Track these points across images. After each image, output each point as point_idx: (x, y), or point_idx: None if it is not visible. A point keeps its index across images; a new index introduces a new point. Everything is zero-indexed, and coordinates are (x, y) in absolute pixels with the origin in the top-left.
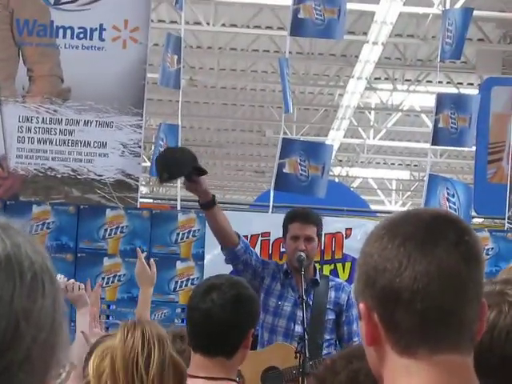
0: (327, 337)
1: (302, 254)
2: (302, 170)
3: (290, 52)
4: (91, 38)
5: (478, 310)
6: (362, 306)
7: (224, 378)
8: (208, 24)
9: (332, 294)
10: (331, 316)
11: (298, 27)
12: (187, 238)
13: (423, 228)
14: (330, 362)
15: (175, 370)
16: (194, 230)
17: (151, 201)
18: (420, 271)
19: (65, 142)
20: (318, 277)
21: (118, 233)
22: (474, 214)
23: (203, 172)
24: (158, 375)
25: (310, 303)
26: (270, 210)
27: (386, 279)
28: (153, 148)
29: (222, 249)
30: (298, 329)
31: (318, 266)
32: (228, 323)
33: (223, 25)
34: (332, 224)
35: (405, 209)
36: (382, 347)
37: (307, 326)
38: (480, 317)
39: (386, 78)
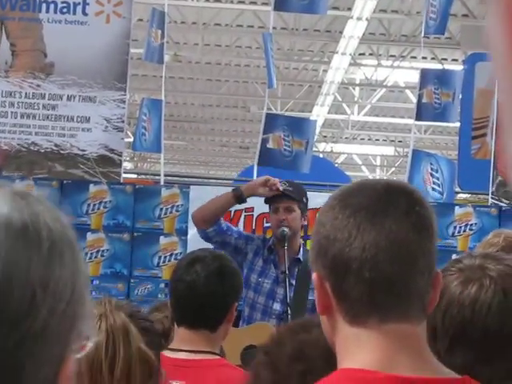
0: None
1: (286, 229)
2: (285, 145)
3: (274, 27)
4: (74, 13)
5: (431, 280)
6: (314, 275)
7: (207, 351)
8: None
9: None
10: (312, 296)
11: (282, 2)
12: (170, 213)
13: (374, 198)
14: (276, 334)
15: (143, 366)
16: (178, 205)
17: (135, 176)
18: (369, 241)
19: (48, 117)
20: (301, 255)
21: (102, 208)
22: (457, 189)
23: None
24: (125, 375)
25: (293, 282)
26: None
27: (337, 249)
28: (136, 123)
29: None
30: (277, 307)
31: (301, 242)
32: (212, 295)
33: (207, 0)
34: (315, 199)
35: None
36: (333, 316)
37: (288, 305)
38: (433, 287)
39: (371, 54)
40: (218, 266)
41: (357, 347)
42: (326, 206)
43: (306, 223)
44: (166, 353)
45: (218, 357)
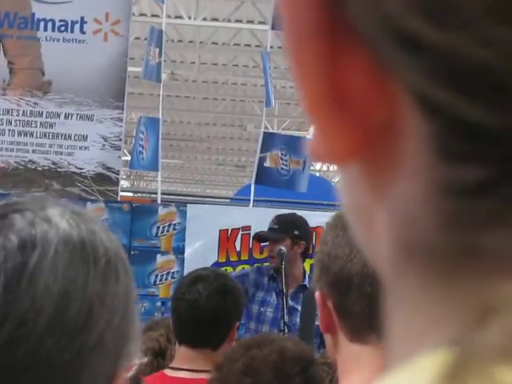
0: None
1: (283, 248)
2: (283, 164)
3: (271, 46)
4: (72, 31)
5: None
6: (317, 293)
7: (209, 370)
8: (189, 18)
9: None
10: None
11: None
12: (167, 231)
13: None
14: (230, 350)
15: None
16: (175, 224)
17: (131, 194)
18: None
19: (45, 135)
20: (306, 282)
21: None
22: None
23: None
24: None
25: (298, 308)
26: (251, 204)
27: (338, 265)
28: (133, 142)
29: None
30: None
31: (304, 268)
32: (214, 314)
33: (204, 19)
34: (313, 218)
35: None
36: (336, 334)
37: (297, 332)
38: None
39: None
40: (220, 284)
41: (357, 365)
42: (328, 224)
43: (301, 251)
44: (167, 372)
45: None
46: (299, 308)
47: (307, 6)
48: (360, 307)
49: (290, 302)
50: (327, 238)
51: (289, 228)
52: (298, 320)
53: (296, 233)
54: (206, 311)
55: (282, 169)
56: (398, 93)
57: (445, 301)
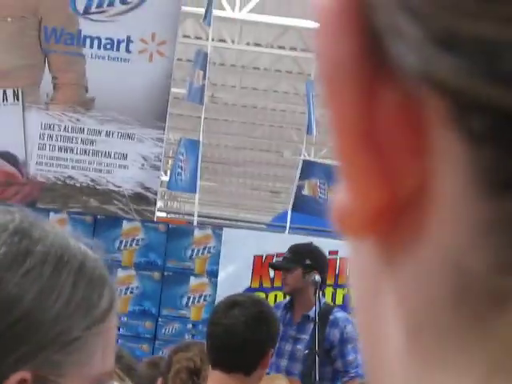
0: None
1: (317, 276)
2: (321, 192)
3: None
4: (118, 50)
5: None
6: None
7: None
8: (233, 42)
9: (327, 329)
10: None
11: None
12: (202, 254)
13: None
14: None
15: None
16: (210, 247)
17: (165, 215)
18: None
19: (85, 152)
20: (312, 312)
21: (134, 245)
22: None
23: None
24: None
25: (305, 337)
26: (287, 231)
27: None
28: (170, 162)
29: None
30: (284, 363)
31: (318, 298)
32: (249, 339)
33: (247, 43)
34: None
35: None
36: None
37: (302, 361)
38: None
39: None
40: (256, 311)
41: None
42: None
43: (316, 279)
44: None
45: None
46: (305, 337)
47: (344, 39)
48: None
49: (292, 332)
50: None
51: (300, 257)
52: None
53: (308, 262)
54: (241, 337)
55: (320, 197)
56: (433, 135)
57: None
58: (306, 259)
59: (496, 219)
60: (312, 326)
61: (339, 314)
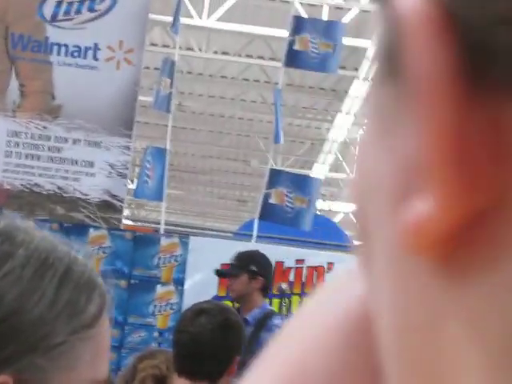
0: None
1: (284, 285)
2: (288, 201)
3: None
4: (85, 57)
5: None
6: None
7: None
8: (200, 50)
9: (262, 334)
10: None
11: (292, 59)
12: (169, 262)
13: None
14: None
15: None
16: (176, 255)
17: (132, 223)
18: None
19: (52, 159)
20: (250, 316)
21: (100, 253)
22: None
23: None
24: None
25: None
26: (254, 240)
27: None
28: (137, 170)
29: None
30: None
31: (261, 302)
32: (216, 347)
33: (215, 52)
34: (315, 257)
35: None
36: None
37: None
38: None
39: None
40: (223, 318)
41: None
42: None
43: (259, 286)
44: None
45: None
46: None
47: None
48: None
49: None
50: None
51: (246, 263)
52: None
53: (253, 268)
54: (208, 345)
55: (287, 206)
56: None
57: None
58: (250, 265)
59: None
60: (250, 329)
61: (277, 321)
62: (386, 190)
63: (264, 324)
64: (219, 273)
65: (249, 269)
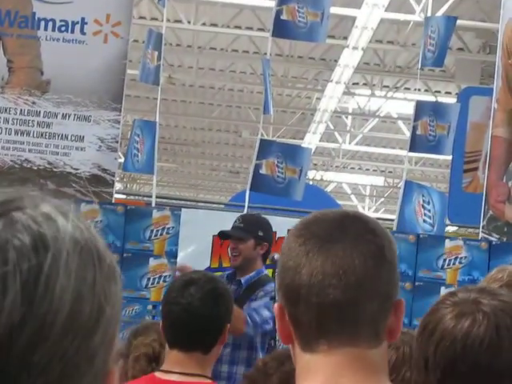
0: None
1: (276, 255)
2: (278, 171)
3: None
4: (72, 31)
5: (389, 307)
6: (275, 306)
7: (200, 374)
8: (189, 22)
9: (256, 292)
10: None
11: (280, 29)
12: (161, 235)
13: (327, 227)
14: (261, 364)
15: None
16: (168, 228)
17: (124, 197)
18: (316, 267)
19: (42, 135)
20: (244, 279)
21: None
22: (447, 222)
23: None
24: None
25: None
26: (246, 210)
27: (289, 277)
28: (127, 144)
29: None
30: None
31: (259, 269)
32: (208, 317)
33: (203, 24)
34: None
35: (378, 215)
36: (294, 345)
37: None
38: (394, 314)
39: (365, 84)
40: (212, 288)
41: (307, 374)
42: (286, 237)
43: (263, 252)
44: (158, 374)
45: (210, 381)
46: None
47: None
48: (308, 318)
49: None
50: (283, 249)
51: (254, 228)
52: None
53: (260, 234)
54: (199, 315)
55: (278, 176)
56: None
57: None
58: (258, 230)
59: None
60: (240, 291)
61: (272, 284)
62: None
63: (256, 288)
64: (224, 234)
65: (257, 234)
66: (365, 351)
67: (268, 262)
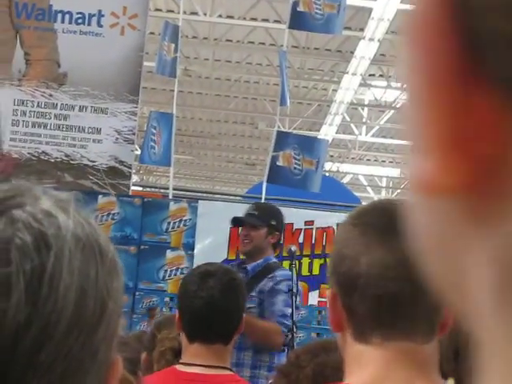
0: None
1: (293, 247)
2: (295, 163)
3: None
4: (89, 24)
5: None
6: (328, 292)
7: (221, 366)
8: (205, 14)
9: (263, 281)
10: (252, 304)
11: (296, 20)
12: (178, 227)
13: (385, 217)
14: (294, 357)
15: None
16: (185, 220)
17: (141, 189)
18: (376, 259)
19: (59, 127)
20: (251, 266)
21: (109, 219)
22: None
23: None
24: None
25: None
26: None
27: (346, 266)
28: (144, 136)
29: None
30: None
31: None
32: (229, 309)
33: (220, 16)
34: (324, 218)
35: None
36: (344, 333)
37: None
38: (447, 310)
39: (381, 75)
40: (229, 279)
41: (359, 364)
42: (341, 225)
43: (274, 241)
44: (179, 367)
45: (231, 372)
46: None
47: (445, 52)
48: (364, 309)
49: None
50: (339, 238)
51: (267, 217)
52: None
53: (273, 223)
54: (221, 307)
55: (295, 168)
56: None
57: None
58: (271, 219)
59: None
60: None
61: (281, 272)
62: (418, 139)
63: (264, 275)
64: (238, 220)
65: (269, 223)
66: (419, 346)
67: (285, 253)
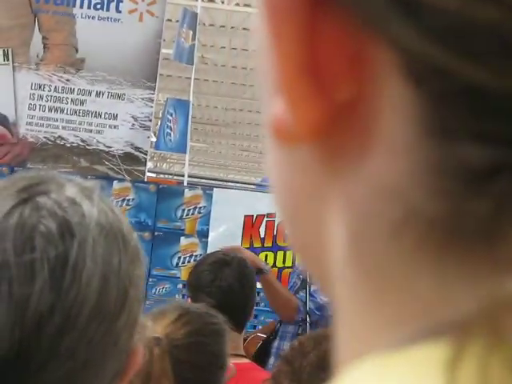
0: None
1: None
2: None
3: None
4: (108, 9)
5: None
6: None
7: (237, 354)
8: (222, 2)
9: None
10: None
11: None
12: (192, 214)
13: None
14: (297, 344)
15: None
16: (200, 207)
17: (155, 175)
18: None
19: (76, 112)
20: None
21: (124, 205)
22: None
23: None
24: None
25: None
26: None
27: None
28: (159, 123)
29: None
30: None
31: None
32: (245, 297)
33: (237, 4)
34: None
35: None
36: None
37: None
38: None
39: None
40: (243, 268)
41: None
42: None
43: None
44: None
45: (247, 360)
46: None
47: None
48: None
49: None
50: None
51: None
52: None
53: None
54: (239, 296)
55: None
56: (376, 66)
57: (441, 289)
58: None
59: (441, 163)
60: None
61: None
62: (269, 82)
63: None
64: None
65: None
66: None
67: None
